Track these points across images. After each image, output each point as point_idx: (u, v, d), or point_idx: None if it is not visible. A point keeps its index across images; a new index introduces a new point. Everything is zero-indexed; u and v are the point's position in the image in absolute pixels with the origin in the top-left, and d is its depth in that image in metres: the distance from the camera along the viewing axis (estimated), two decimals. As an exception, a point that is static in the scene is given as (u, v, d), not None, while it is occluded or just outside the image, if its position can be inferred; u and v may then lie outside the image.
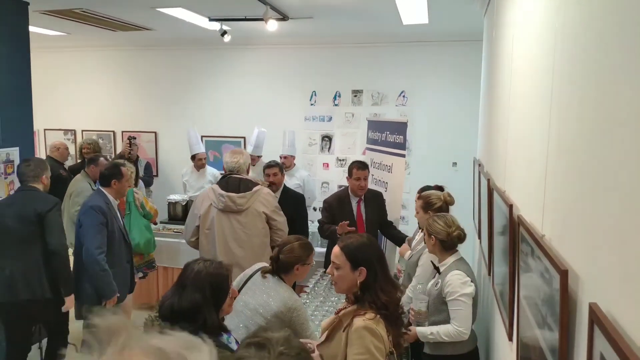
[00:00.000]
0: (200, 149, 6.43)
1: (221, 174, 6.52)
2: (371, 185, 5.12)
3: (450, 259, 2.92)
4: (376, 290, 2.10)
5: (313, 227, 5.44)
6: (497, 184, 2.68)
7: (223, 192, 3.78)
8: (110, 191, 3.86)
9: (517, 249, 1.84)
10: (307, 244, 2.91)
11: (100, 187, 3.90)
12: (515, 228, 1.89)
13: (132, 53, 7.84)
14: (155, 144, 7.92)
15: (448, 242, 2.90)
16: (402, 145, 4.58)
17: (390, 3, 4.65)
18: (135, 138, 6.32)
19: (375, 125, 5.21)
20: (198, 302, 2.05)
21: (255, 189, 3.84)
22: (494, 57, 3.51)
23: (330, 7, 4.94)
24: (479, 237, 3.73)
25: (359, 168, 4.28)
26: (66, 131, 8.13)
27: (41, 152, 7.58)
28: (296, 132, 6.39)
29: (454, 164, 6.61)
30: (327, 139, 7.25)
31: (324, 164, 7.27)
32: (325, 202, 4.49)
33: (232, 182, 3.86)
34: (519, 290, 1.83)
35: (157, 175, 7.60)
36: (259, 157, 6.07)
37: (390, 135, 4.77)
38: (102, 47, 7.80)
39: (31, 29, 4.79)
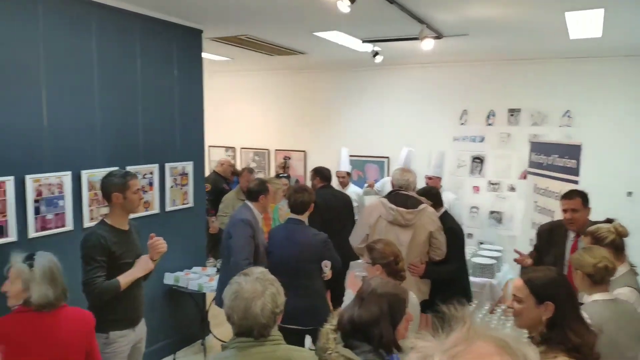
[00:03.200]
0: (341, 167, 6.50)
1: (368, 183, 6.63)
2: (534, 215, 4.70)
3: (594, 297, 2.58)
4: (565, 330, 1.90)
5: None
6: None
7: (393, 206, 3.94)
8: (257, 206, 4.05)
9: None
10: None
11: (247, 202, 4.09)
12: None
13: (286, 76, 8.28)
14: (304, 162, 8.24)
15: (596, 275, 2.57)
16: (575, 171, 4.15)
17: (558, 17, 4.30)
18: (290, 158, 6.61)
19: (540, 147, 4.81)
20: (376, 314, 2.04)
21: (421, 207, 3.97)
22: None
23: (488, 23, 4.71)
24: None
25: (564, 197, 3.70)
26: (227, 148, 8.83)
27: (206, 167, 8.30)
28: (445, 153, 6.17)
29: (629, 193, 5.85)
30: (478, 160, 6.90)
31: (474, 187, 6.91)
32: (539, 227, 4.14)
33: (400, 197, 4.03)
34: None
35: (304, 192, 7.87)
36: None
37: (559, 158, 4.36)
38: (260, 71, 8.36)
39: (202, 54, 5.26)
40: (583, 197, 3.65)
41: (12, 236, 3.38)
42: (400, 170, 4.30)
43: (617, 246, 3.14)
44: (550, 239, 3.81)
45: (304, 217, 3.89)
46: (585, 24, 4.53)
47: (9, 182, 3.35)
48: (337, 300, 5.10)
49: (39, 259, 2.35)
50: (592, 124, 6.13)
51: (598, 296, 2.58)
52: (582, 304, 2.63)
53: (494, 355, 0.71)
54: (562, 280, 2.05)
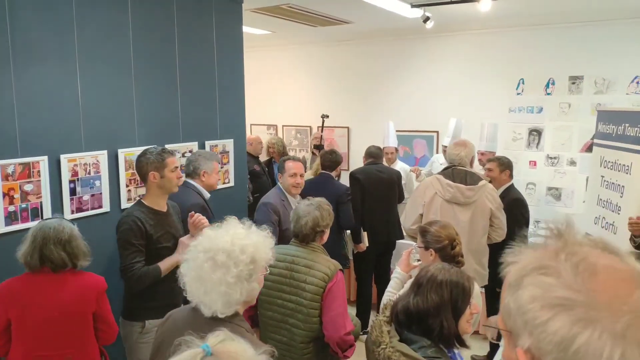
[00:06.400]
0: (389, 143, 6.23)
1: (412, 170, 6.32)
2: (601, 190, 4.32)
3: None
4: None
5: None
6: None
7: (451, 183, 3.66)
8: (284, 186, 3.95)
9: None
10: None
11: (278, 183, 4.02)
12: None
13: (327, 49, 7.96)
14: (347, 139, 7.95)
15: None
16: (652, 141, 3.71)
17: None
18: (328, 116, 7.04)
19: (608, 117, 4.35)
20: (435, 303, 1.83)
21: (481, 183, 3.69)
22: None
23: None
24: None
25: None
26: (269, 126, 8.63)
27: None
28: (499, 125, 5.76)
29: None
30: (535, 133, 6.42)
31: (530, 162, 6.46)
32: None
33: (457, 173, 3.74)
34: None
35: (347, 170, 7.61)
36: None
37: (630, 127, 3.91)
38: (301, 45, 8.06)
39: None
40: None
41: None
42: (453, 144, 4.03)
43: None
44: None
45: (333, 173, 4.72)
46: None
47: (43, 162, 3.23)
48: (382, 280, 4.88)
49: (38, 224, 2.48)
50: (666, 90, 5.56)
51: None
52: None
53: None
54: None
